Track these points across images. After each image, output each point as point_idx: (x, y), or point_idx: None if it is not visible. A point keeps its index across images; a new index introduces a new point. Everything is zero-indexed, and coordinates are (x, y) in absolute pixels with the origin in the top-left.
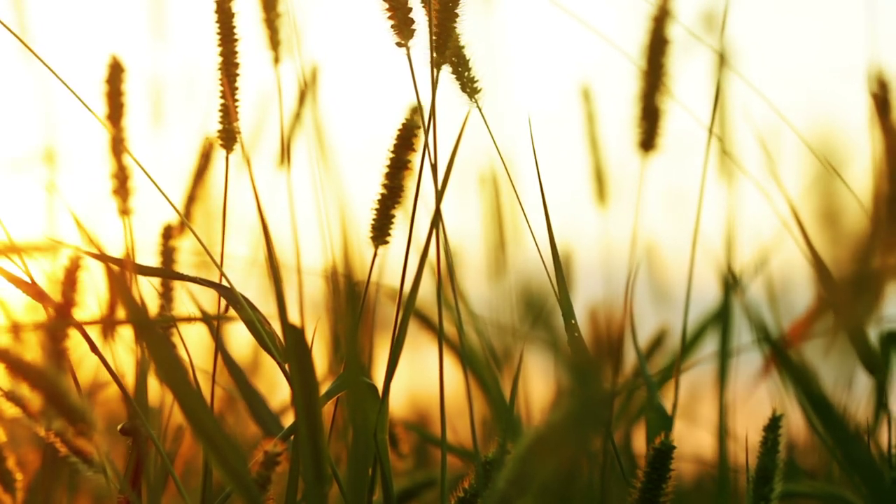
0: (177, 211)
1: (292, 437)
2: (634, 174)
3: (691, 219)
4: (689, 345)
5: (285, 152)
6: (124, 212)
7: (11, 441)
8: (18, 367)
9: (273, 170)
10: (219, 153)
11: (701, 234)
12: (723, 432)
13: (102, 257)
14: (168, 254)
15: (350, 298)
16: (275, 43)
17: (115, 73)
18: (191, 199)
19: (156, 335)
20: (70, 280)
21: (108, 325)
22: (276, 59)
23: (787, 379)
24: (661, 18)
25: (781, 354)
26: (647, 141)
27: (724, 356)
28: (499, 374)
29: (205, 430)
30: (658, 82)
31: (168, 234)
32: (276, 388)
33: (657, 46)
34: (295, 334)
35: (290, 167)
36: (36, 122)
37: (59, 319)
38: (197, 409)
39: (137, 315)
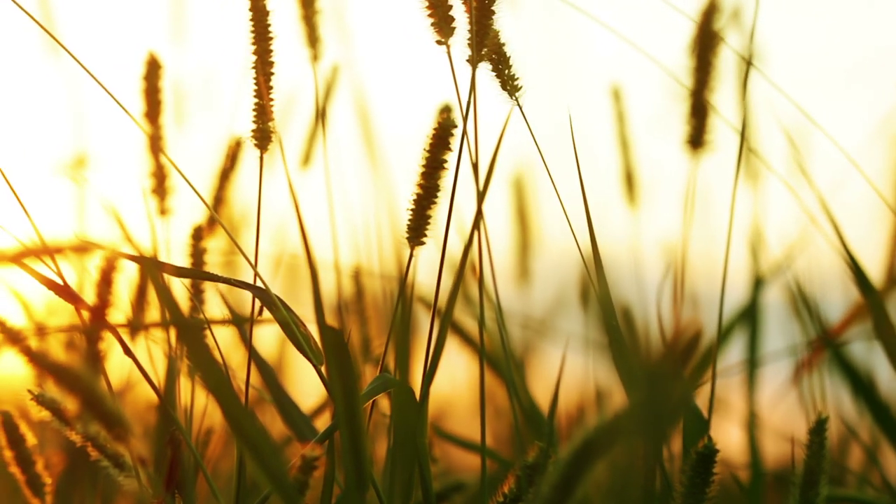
0: (212, 212)
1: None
2: (663, 174)
3: (714, 219)
4: (720, 344)
5: (319, 152)
6: (163, 211)
7: (37, 444)
8: (54, 371)
9: (298, 169)
10: (248, 153)
11: (733, 233)
12: (752, 435)
13: (142, 259)
14: (198, 254)
15: (402, 303)
16: (313, 40)
17: (153, 69)
18: (217, 201)
19: (197, 338)
20: (106, 281)
21: (147, 327)
22: (315, 57)
23: (834, 368)
24: (709, 13)
25: (830, 342)
26: (696, 139)
27: (754, 354)
28: (525, 378)
29: (246, 435)
30: (707, 78)
31: (198, 234)
32: (301, 390)
33: (705, 42)
34: (334, 336)
35: (328, 167)
36: (64, 124)
37: (95, 321)
38: (238, 413)
39: (178, 318)
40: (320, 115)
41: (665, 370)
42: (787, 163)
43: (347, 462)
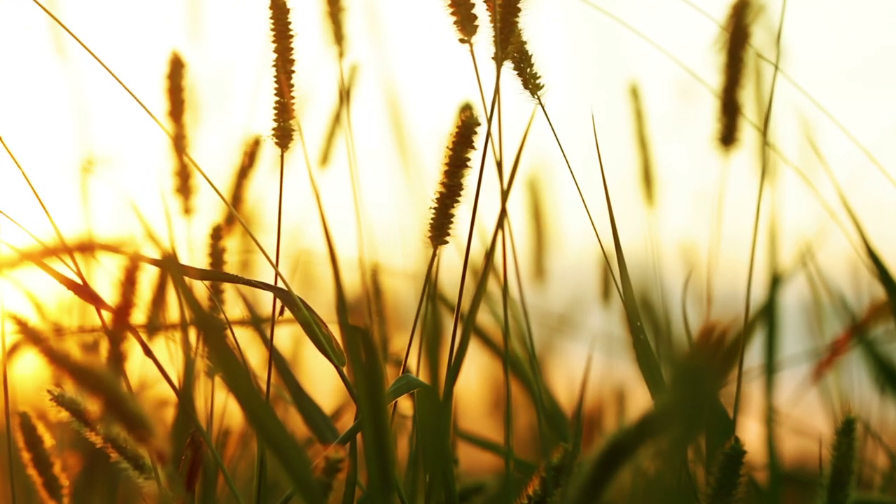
0: (233, 212)
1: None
2: (678, 173)
3: (729, 216)
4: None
5: (342, 150)
6: (187, 210)
7: (55, 445)
8: (77, 372)
9: (317, 168)
10: (266, 151)
11: (758, 231)
12: (771, 435)
13: (167, 262)
14: (218, 254)
15: (431, 304)
16: (339, 37)
17: (176, 68)
18: (235, 200)
19: (221, 339)
20: (130, 281)
21: (171, 327)
22: (341, 54)
23: (864, 355)
24: (740, 9)
25: (860, 330)
26: (728, 136)
27: (772, 353)
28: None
29: (270, 436)
30: (738, 76)
31: (217, 234)
32: (314, 390)
33: (736, 38)
34: (361, 337)
35: (353, 165)
36: (73, 124)
37: (118, 322)
38: (262, 414)
39: (203, 319)
40: (344, 113)
41: (700, 368)
42: (803, 158)
43: (372, 464)
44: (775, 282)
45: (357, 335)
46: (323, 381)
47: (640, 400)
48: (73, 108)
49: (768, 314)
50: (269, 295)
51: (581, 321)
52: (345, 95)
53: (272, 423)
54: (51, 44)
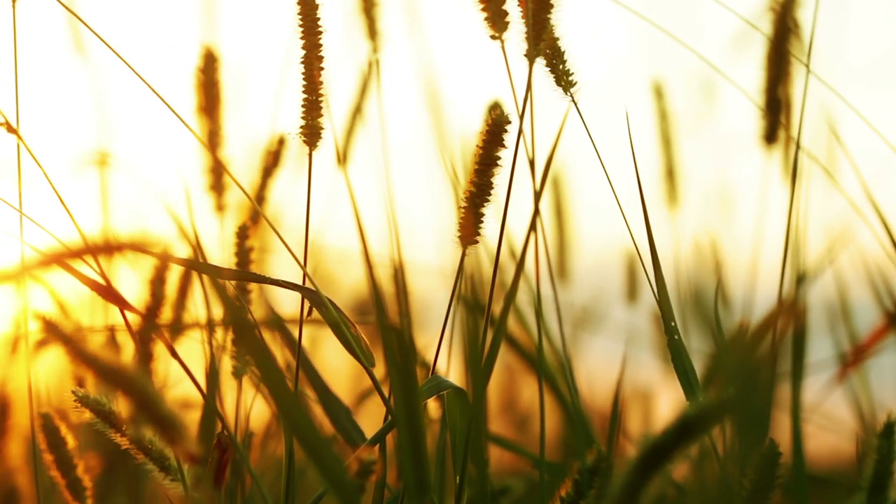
0: (260, 211)
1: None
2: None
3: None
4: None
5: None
6: (220, 208)
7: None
8: (107, 373)
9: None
10: (291, 150)
11: (791, 230)
12: (798, 436)
13: (200, 264)
14: (244, 254)
15: (469, 309)
16: (373, 33)
17: (209, 62)
18: (259, 200)
19: (257, 340)
20: (160, 280)
21: (203, 327)
22: (375, 50)
23: None
24: (786, 5)
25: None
26: (771, 134)
27: (799, 352)
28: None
29: (306, 438)
30: (782, 73)
31: (244, 233)
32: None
33: (780, 35)
34: (398, 337)
35: (387, 165)
36: (91, 122)
37: (147, 322)
38: (297, 415)
39: (238, 319)
40: (375, 109)
41: (758, 366)
42: (827, 155)
43: (407, 465)
44: (800, 280)
45: (395, 336)
46: (336, 382)
47: (663, 400)
48: (92, 106)
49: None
50: (289, 294)
51: (603, 320)
52: (377, 91)
53: (307, 425)
54: (70, 41)
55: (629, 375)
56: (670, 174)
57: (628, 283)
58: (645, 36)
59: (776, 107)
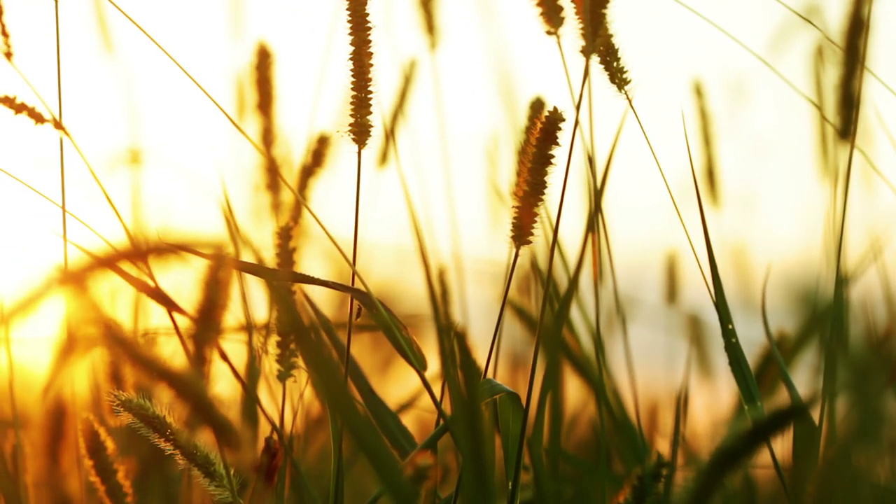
0: (310, 212)
1: None
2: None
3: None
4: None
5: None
6: (276, 206)
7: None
8: (165, 377)
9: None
10: (339, 148)
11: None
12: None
13: (258, 267)
14: (287, 255)
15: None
16: (430, 27)
17: (263, 59)
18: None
19: (315, 344)
20: (215, 282)
21: (261, 331)
22: (433, 45)
23: None
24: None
25: None
26: (846, 129)
27: (833, 356)
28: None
29: (365, 443)
30: (856, 68)
31: (287, 234)
32: None
33: (855, 29)
34: (458, 340)
35: (449, 163)
36: (121, 122)
37: (203, 325)
38: (356, 420)
39: (297, 323)
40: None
41: (875, 374)
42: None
43: (469, 471)
44: (839, 283)
45: (454, 339)
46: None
47: (699, 403)
48: (122, 104)
49: (836, 315)
50: (321, 295)
51: (644, 319)
52: (435, 86)
53: (367, 429)
54: (98, 40)
55: (673, 378)
56: (711, 173)
57: (668, 285)
58: (685, 31)
59: (851, 102)
